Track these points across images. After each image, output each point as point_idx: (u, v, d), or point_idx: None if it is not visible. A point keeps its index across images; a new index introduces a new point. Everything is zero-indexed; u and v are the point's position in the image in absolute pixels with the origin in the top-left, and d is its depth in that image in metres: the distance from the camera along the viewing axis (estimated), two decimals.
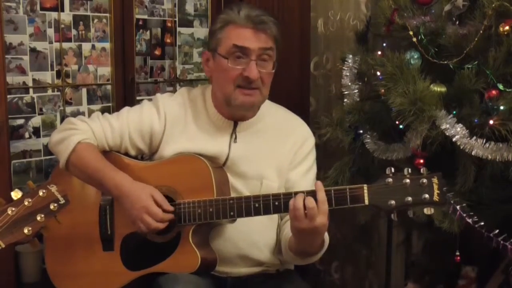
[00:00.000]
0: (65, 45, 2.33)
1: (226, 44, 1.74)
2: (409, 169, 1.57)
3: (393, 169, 1.58)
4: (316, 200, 1.55)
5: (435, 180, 1.56)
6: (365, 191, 1.58)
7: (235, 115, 1.82)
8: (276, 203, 1.65)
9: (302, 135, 1.91)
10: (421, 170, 1.58)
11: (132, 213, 1.71)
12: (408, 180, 1.56)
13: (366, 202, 1.58)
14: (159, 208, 1.69)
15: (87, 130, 1.82)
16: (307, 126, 1.95)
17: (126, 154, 1.88)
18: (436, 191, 1.55)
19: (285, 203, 1.64)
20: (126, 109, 1.91)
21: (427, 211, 1.58)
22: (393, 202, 1.56)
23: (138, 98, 2.52)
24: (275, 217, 1.86)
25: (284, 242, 1.80)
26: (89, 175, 1.78)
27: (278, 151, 1.85)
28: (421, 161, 1.87)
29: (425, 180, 1.55)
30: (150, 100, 1.93)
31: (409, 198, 1.55)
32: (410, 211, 1.59)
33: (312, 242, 1.65)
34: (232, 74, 1.73)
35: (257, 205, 1.66)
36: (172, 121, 1.85)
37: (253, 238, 1.83)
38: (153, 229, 1.70)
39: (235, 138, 1.83)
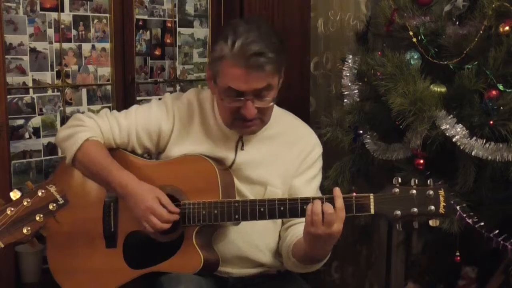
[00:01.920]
0: (65, 45, 2.33)
1: (223, 82, 1.68)
2: (416, 180, 1.56)
3: (400, 179, 1.57)
4: (334, 206, 1.54)
5: (441, 192, 1.54)
6: (371, 200, 1.57)
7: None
8: (282, 208, 1.64)
9: (310, 143, 1.89)
10: (428, 181, 1.56)
11: (137, 212, 1.71)
12: (414, 191, 1.55)
13: (372, 211, 1.57)
14: (164, 209, 1.69)
15: (95, 127, 1.81)
16: (315, 135, 1.93)
17: (133, 152, 1.87)
18: (442, 203, 1.54)
19: (290, 208, 1.63)
20: (134, 107, 1.90)
21: (433, 223, 1.56)
22: (398, 212, 1.55)
23: (138, 98, 2.52)
24: (278, 220, 1.85)
25: (286, 249, 1.78)
26: (95, 172, 1.78)
27: (285, 158, 1.84)
28: (421, 161, 1.87)
29: (431, 192, 1.54)
30: (159, 99, 1.91)
31: (415, 209, 1.54)
32: (415, 222, 1.58)
33: (324, 247, 1.62)
34: (230, 110, 1.71)
35: (262, 209, 1.66)
36: (180, 122, 1.84)
37: (255, 240, 1.83)
38: (158, 230, 1.70)
39: (242, 145, 1.82)
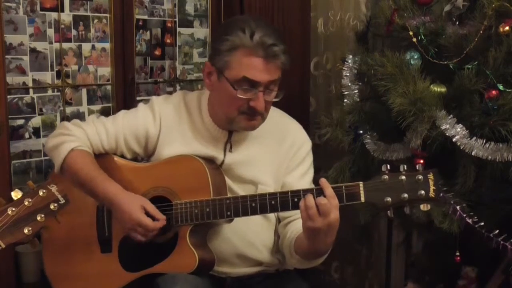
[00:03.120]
0: (65, 45, 2.33)
1: (235, 72, 1.69)
2: (405, 166, 1.56)
3: (388, 166, 1.57)
4: (325, 196, 1.54)
5: (430, 176, 1.55)
6: (361, 188, 1.57)
7: (231, 128, 1.82)
8: (273, 202, 1.65)
9: (299, 139, 1.89)
10: (417, 166, 1.57)
11: (124, 225, 1.73)
12: (404, 177, 1.55)
13: (362, 199, 1.57)
14: (150, 219, 1.70)
15: (81, 136, 1.82)
16: (303, 130, 1.93)
17: (122, 157, 1.87)
18: (432, 187, 1.54)
19: (282, 202, 1.64)
20: (122, 112, 1.91)
21: (424, 207, 1.57)
22: (389, 199, 1.55)
23: (138, 98, 2.52)
24: (272, 216, 1.86)
25: (288, 246, 1.78)
26: (81, 183, 1.79)
27: (275, 156, 1.85)
28: (421, 161, 1.86)
29: (420, 177, 1.54)
30: (146, 103, 1.92)
31: (405, 195, 1.54)
32: (406, 208, 1.58)
33: (326, 240, 1.61)
34: (238, 103, 1.71)
35: (253, 204, 1.66)
36: (167, 125, 1.84)
37: (250, 238, 1.83)
38: (148, 238, 1.72)
39: (230, 147, 1.83)
